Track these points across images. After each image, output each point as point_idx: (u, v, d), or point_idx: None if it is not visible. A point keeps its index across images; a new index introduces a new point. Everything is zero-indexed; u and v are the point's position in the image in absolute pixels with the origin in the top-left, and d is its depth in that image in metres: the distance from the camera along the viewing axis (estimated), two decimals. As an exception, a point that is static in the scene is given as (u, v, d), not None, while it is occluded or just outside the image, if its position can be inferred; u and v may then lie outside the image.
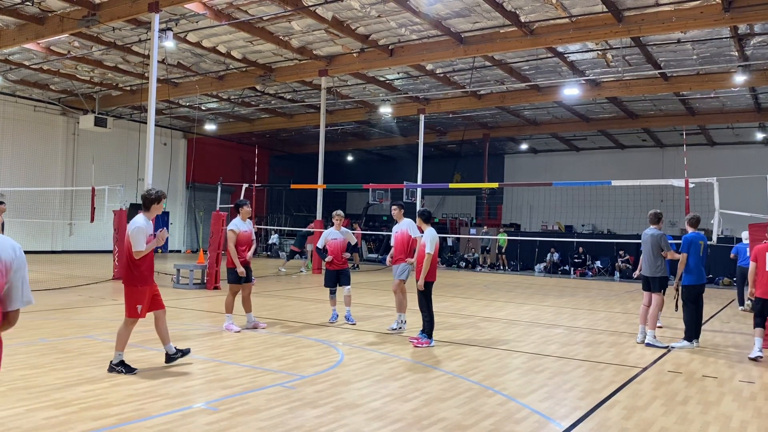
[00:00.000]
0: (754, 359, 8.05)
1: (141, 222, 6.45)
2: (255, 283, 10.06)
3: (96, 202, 17.61)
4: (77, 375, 6.12)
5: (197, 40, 17.54)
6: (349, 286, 10.10)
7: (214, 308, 11.36)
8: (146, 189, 7.16)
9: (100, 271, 16.77)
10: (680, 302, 9.15)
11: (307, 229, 21.02)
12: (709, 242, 9.39)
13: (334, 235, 10.06)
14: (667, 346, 8.86)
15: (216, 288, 14.49)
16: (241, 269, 8.91)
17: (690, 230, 9.19)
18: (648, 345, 8.91)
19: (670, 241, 9.21)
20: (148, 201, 6.56)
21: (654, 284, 9.01)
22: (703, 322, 9.41)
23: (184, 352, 6.85)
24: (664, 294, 9.05)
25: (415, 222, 9.08)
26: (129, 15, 14.89)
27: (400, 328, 9.41)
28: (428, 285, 8.39)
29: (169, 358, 6.75)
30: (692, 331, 8.94)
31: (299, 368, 6.77)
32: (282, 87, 22.89)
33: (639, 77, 19.35)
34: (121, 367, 6.30)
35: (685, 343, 8.94)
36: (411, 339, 8.51)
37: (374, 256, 28.46)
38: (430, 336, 8.33)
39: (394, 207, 9.67)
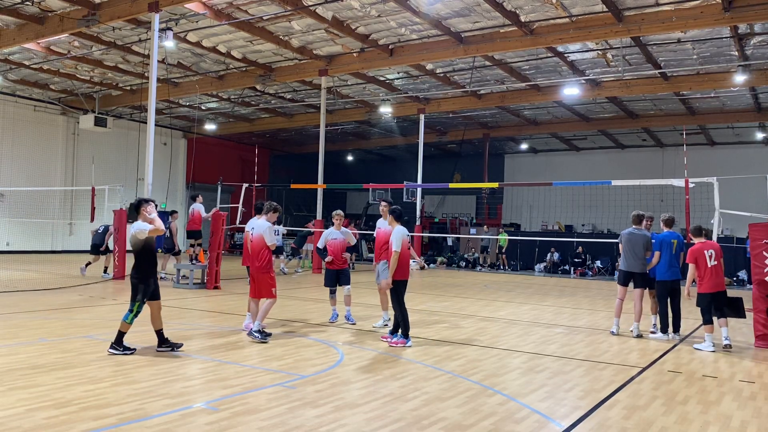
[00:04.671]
0: (699, 349, 8.68)
1: (268, 223, 8.42)
2: None
3: (96, 201, 17.61)
4: (77, 375, 6.12)
5: (197, 40, 17.54)
6: (349, 286, 10.10)
7: (214, 308, 11.37)
8: (267, 201, 8.88)
9: (100, 271, 16.76)
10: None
11: (306, 229, 21.00)
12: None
13: (335, 235, 10.06)
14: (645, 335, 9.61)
15: (216, 288, 14.49)
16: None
17: (665, 229, 9.71)
18: (638, 336, 9.53)
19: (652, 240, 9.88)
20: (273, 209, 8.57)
21: (643, 279, 9.66)
22: (681, 316, 9.81)
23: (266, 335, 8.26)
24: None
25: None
26: (129, 15, 14.90)
27: (386, 325, 9.42)
28: (400, 283, 8.29)
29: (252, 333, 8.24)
30: (665, 324, 9.53)
31: (299, 368, 6.77)
32: (282, 87, 22.90)
33: (639, 77, 19.35)
34: (260, 334, 8.13)
35: (660, 335, 9.54)
36: (383, 338, 8.47)
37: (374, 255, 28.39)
38: (406, 336, 8.24)
39: (383, 204, 9.34)
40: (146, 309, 7.29)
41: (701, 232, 9.10)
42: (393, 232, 8.37)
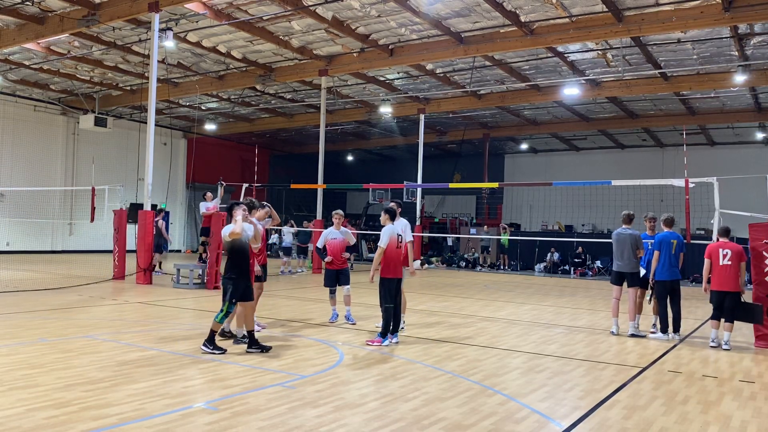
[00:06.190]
0: (718, 347, 8.82)
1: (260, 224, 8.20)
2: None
3: (96, 201, 17.61)
4: (77, 375, 6.12)
5: (197, 40, 17.54)
6: (348, 286, 10.09)
7: (214, 308, 11.34)
8: (248, 199, 8.65)
9: (100, 271, 16.77)
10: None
11: (307, 228, 21.00)
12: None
13: (334, 235, 10.05)
14: (646, 335, 9.63)
15: (216, 288, 14.47)
16: (257, 268, 8.95)
17: (665, 229, 9.76)
18: (631, 335, 9.56)
19: (649, 240, 9.96)
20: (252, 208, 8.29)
21: (634, 279, 9.72)
22: (681, 316, 9.81)
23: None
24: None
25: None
26: (129, 15, 14.91)
27: (402, 328, 9.40)
28: (389, 281, 8.25)
29: (238, 340, 7.98)
30: (665, 324, 9.56)
31: (299, 368, 6.77)
32: (282, 87, 22.90)
33: (639, 77, 19.35)
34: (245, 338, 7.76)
35: (660, 335, 9.57)
36: (367, 341, 8.40)
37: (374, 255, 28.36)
38: (383, 335, 8.26)
39: (393, 204, 9.43)
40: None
41: (726, 233, 9.22)
42: (382, 230, 8.38)
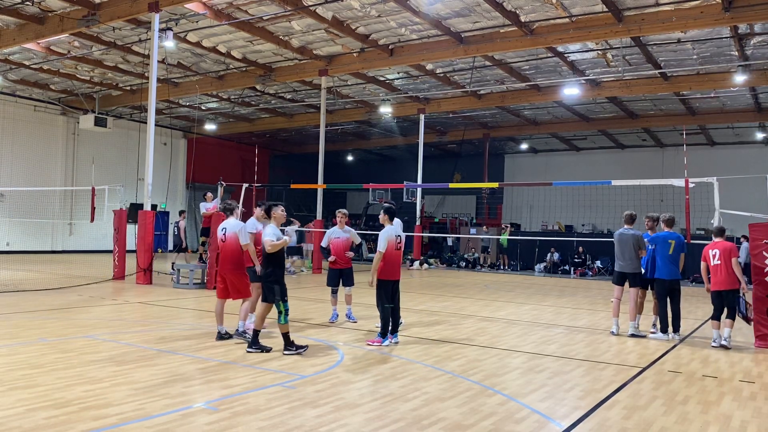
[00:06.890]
0: (720, 347, 8.87)
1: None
2: None
3: (96, 201, 17.61)
4: (77, 375, 6.12)
5: (197, 40, 17.55)
6: (351, 286, 10.09)
7: (214, 308, 11.34)
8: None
9: (100, 271, 16.77)
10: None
11: (305, 228, 20.99)
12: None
13: (337, 234, 10.04)
14: (646, 335, 9.65)
15: (216, 288, 14.45)
16: (258, 267, 8.91)
17: (665, 229, 9.78)
18: (632, 336, 9.58)
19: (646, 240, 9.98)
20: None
21: (635, 279, 9.73)
22: (680, 316, 9.83)
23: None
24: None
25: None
26: (129, 15, 14.91)
27: (401, 323, 9.41)
28: (385, 283, 8.24)
29: (239, 335, 8.22)
30: (665, 324, 9.57)
31: (299, 368, 6.77)
32: (282, 87, 22.90)
33: (639, 77, 19.36)
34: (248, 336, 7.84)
35: (660, 335, 9.58)
36: (368, 342, 8.40)
37: (374, 256, 28.32)
38: (383, 335, 8.26)
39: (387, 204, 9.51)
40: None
41: (720, 233, 9.31)
42: (381, 233, 8.33)
